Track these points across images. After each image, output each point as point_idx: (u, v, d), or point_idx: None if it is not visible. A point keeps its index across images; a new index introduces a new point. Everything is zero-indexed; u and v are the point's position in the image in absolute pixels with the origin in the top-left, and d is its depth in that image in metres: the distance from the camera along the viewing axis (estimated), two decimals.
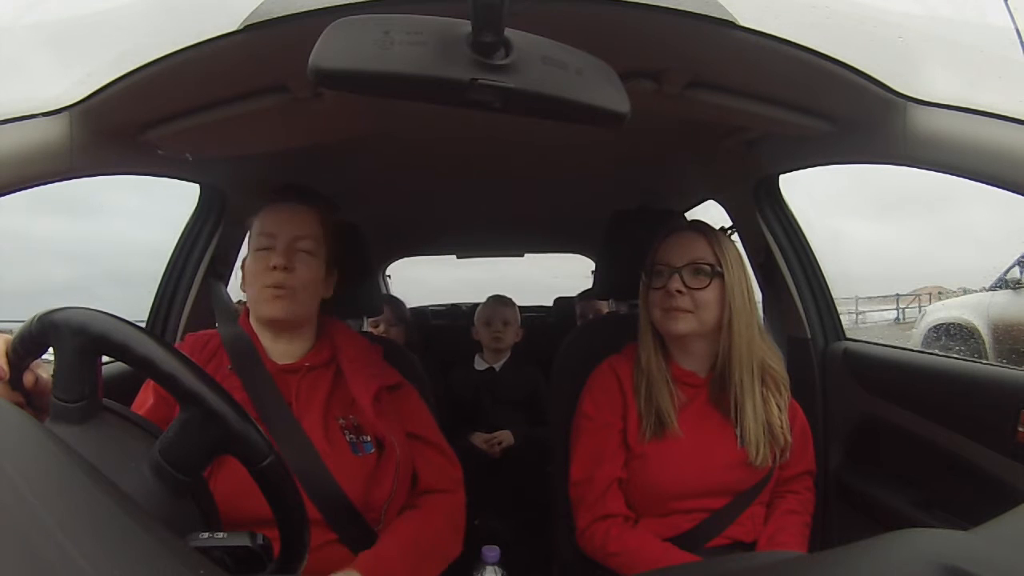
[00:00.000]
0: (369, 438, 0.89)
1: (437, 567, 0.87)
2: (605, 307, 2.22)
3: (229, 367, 0.88)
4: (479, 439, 1.83)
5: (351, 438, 0.88)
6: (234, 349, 0.90)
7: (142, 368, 0.56)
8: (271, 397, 0.86)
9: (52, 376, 0.57)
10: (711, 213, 1.58)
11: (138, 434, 0.58)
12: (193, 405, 0.55)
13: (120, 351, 0.55)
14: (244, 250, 0.99)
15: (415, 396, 1.00)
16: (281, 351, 0.93)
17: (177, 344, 0.99)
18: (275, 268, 0.87)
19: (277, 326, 0.92)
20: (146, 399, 0.87)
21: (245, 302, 0.97)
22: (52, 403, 0.56)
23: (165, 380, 0.55)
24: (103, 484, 0.38)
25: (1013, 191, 0.69)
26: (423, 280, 3.39)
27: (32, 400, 0.66)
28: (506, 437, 1.83)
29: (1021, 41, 0.72)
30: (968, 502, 0.95)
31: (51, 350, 0.58)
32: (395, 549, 0.83)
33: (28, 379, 0.65)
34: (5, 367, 0.61)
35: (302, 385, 0.89)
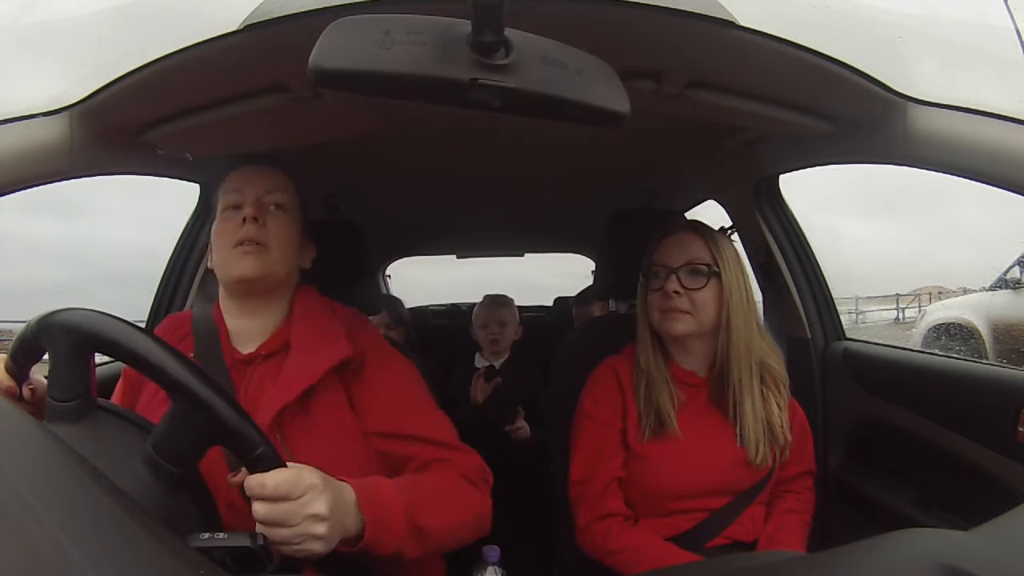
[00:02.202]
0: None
1: (454, 515, 0.75)
2: (598, 312, 2.20)
3: (193, 355, 0.83)
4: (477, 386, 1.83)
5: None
6: (200, 334, 0.84)
7: (133, 363, 0.56)
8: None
9: (47, 377, 0.58)
10: (711, 213, 1.58)
11: (132, 430, 0.59)
12: (183, 397, 0.55)
13: (111, 347, 0.56)
14: None
15: (391, 365, 0.86)
16: (245, 330, 0.84)
17: (157, 326, 0.93)
18: (245, 221, 0.80)
19: (248, 289, 0.82)
20: (119, 387, 0.86)
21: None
22: (48, 403, 0.57)
23: (155, 373, 0.55)
24: (103, 483, 0.38)
25: (1013, 191, 0.69)
26: (423, 280, 3.38)
27: (37, 405, 0.67)
28: (487, 373, 1.83)
29: (1021, 41, 0.72)
30: (968, 502, 0.95)
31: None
32: (386, 482, 0.72)
33: (26, 392, 0.66)
34: (13, 384, 0.62)
35: (253, 377, 0.81)
